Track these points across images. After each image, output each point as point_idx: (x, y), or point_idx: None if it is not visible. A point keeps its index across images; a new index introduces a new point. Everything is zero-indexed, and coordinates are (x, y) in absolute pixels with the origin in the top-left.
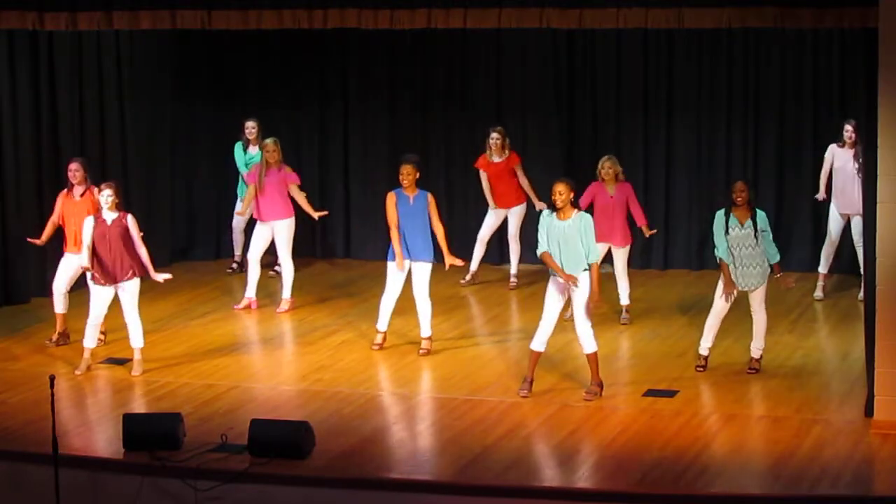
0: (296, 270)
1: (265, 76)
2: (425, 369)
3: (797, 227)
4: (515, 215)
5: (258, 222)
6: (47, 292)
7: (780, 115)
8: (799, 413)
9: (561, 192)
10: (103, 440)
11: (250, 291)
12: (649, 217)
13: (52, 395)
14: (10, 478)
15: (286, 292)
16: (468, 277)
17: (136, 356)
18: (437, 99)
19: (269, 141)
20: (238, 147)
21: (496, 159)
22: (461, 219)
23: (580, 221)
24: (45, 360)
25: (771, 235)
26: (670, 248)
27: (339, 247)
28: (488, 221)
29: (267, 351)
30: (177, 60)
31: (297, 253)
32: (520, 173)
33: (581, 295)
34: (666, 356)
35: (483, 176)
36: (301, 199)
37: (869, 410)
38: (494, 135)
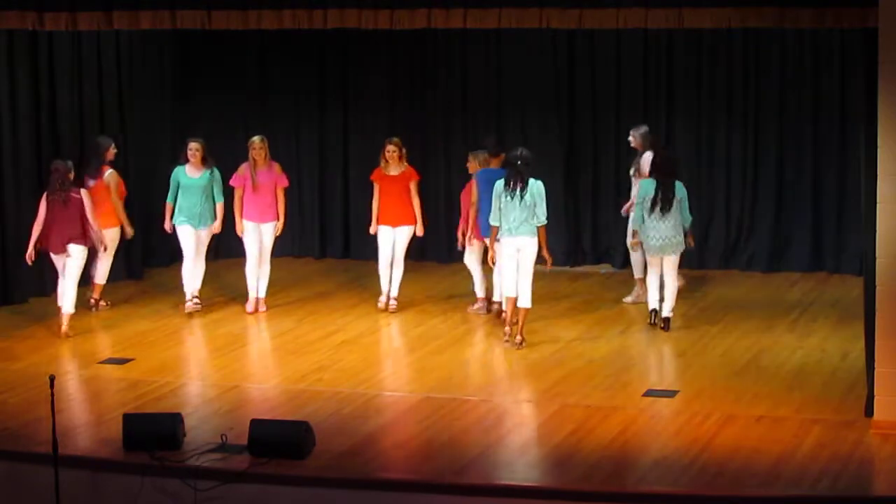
0: (295, 270)
1: (265, 76)
2: (425, 369)
3: (797, 226)
4: (404, 235)
5: (249, 224)
6: (46, 292)
7: (780, 115)
8: (799, 413)
9: None
10: (103, 440)
11: (261, 291)
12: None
13: (52, 395)
14: (10, 478)
15: (262, 292)
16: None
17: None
18: (437, 99)
19: (255, 139)
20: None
21: (392, 172)
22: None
23: None
24: (45, 360)
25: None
26: None
27: (339, 247)
28: (383, 243)
29: (267, 351)
30: (177, 60)
31: (297, 252)
32: (413, 192)
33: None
34: (666, 356)
35: (376, 189)
36: (281, 203)
37: (869, 410)
38: (390, 147)
